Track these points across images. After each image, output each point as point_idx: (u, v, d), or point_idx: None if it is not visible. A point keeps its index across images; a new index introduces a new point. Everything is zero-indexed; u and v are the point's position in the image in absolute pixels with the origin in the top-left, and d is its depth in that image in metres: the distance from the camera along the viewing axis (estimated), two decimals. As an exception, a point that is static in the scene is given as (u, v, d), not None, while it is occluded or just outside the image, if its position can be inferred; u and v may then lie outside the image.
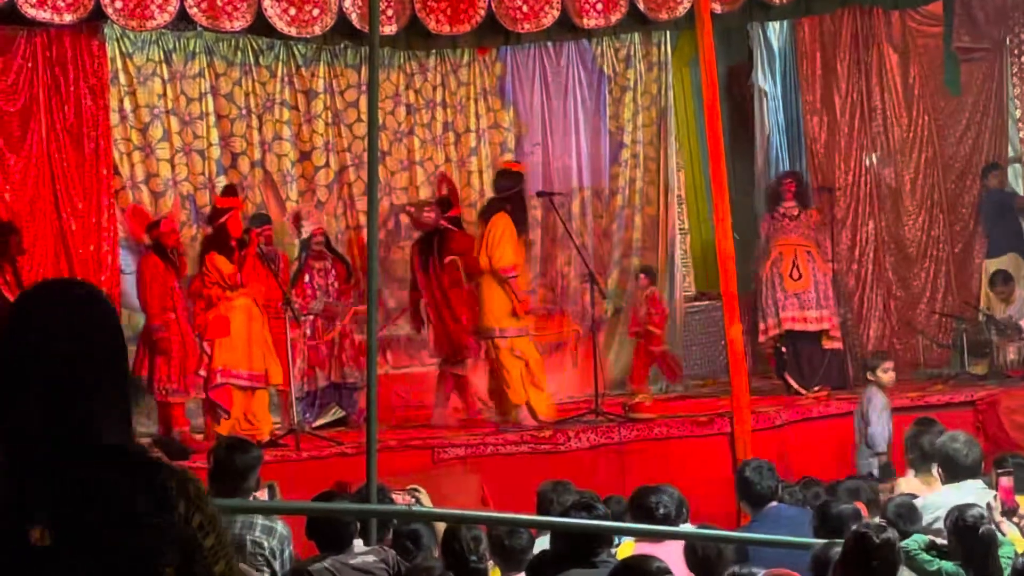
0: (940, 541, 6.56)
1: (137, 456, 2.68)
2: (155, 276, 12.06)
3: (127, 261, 12.78)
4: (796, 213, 13.47)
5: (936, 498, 7.66)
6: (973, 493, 7.35)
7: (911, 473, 8.98)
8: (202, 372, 11.83)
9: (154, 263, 12.13)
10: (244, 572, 5.72)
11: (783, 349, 13.40)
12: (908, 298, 15.11)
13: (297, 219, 13.41)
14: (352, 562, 6.59)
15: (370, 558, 6.64)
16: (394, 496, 7.75)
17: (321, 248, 13.17)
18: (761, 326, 13.41)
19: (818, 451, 11.75)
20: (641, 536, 6.75)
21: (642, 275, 13.68)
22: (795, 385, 13.24)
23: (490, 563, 6.54)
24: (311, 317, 12.98)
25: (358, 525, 6.87)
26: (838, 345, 13.60)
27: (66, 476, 2.56)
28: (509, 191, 12.78)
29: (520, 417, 12.40)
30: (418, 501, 7.82)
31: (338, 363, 13.01)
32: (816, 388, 13.20)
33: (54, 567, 2.53)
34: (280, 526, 6.64)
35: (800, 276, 13.22)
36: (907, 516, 7.00)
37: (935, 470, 8.80)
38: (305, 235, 13.14)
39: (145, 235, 12.53)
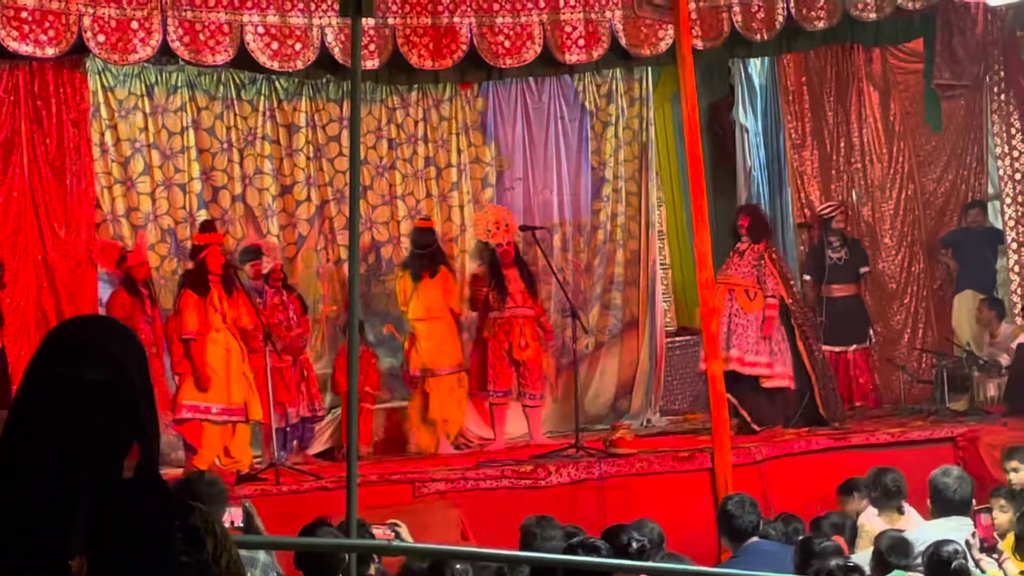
0: (920, 576, 6.57)
1: (169, 495, 2.69)
2: (120, 313, 11.99)
3: (108, 295, 12.74)
4: (743, 248, 13.31)
5: (919, 533, 7.65)
6: (954, 529, 7.34)
7: (872, 511, 8.98)
8: (169, 407, 11.77)
9: (122, 300, 12.05)
10: None
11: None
12: (888, 334, 15.16)
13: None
14: None
15: None
16: (374, 530, 7.72)
17: (279, 284, 13.12)
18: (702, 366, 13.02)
19: (798, 487, 11.73)
20: (626, 572, 6.72)
21: None
22: (755, 427, 13.06)
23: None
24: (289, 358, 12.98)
25: (347, 556, 6.85)
26: (785, 384, 13.25)
27: (104, 510, 2.57)
28: (430, 247, 13.31)
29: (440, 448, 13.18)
30: (398, 536, 7.80)
31: (307, 398, 13.00)
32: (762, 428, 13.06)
33: None
34: (261, 555, 6.60)
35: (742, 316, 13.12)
36: (900, 550, 6.97)
37: (906, 506, 8.84)
38: (266, 271, 13.08)
39: (116, 269, 12.49)
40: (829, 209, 14.51)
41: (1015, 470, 9.92)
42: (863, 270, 14.48)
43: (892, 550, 6.97)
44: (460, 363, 13.26)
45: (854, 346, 14.40)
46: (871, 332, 14.79)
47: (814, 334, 13.63)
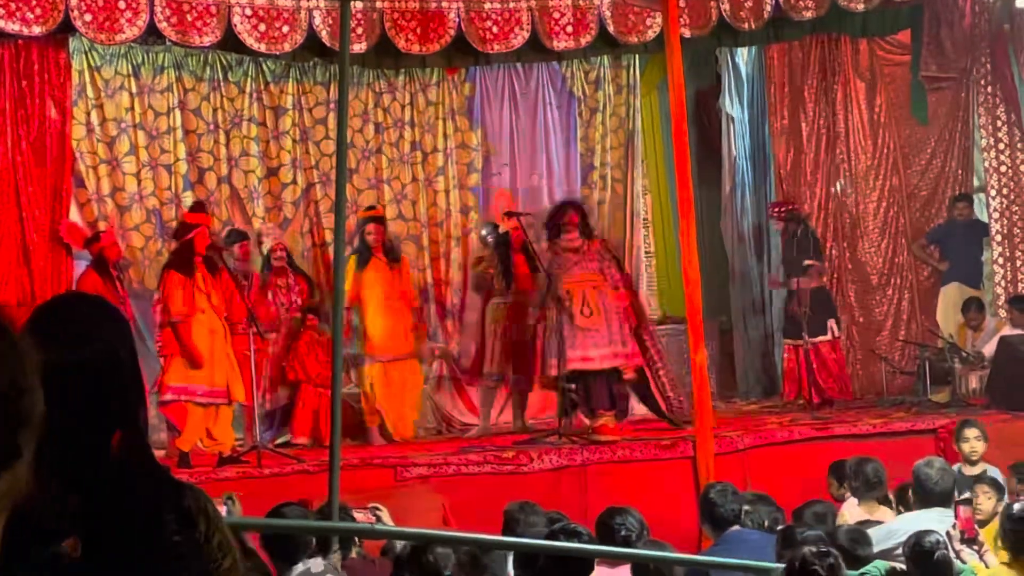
0: (901, 567, 6.57)
1: (161, 475, 2.69)
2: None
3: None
4: (578, 245, 12.63)
5: (899, 524, 7.67)
6: (936, 520, 7.36)
7: (853, 501, 8.99)
8: (154, 388, 11.67)
9: (92, 281, 11.95)
10: None
11: (572, 387, 12.44)
12: (871, 324, 15.18)
13: (259, 236, 13.42)
14: None
15: None
16: (355, 514, 7.72)
17: (282, 264, 13.14)
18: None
19: (780, 476, 11.75)
20: (606, 558, 6.73)
21: None
22: (587, 422, 12.58)
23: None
24: (274, 335, 12.98)
25: (314, 540, 6.84)
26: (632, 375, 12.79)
27: (97, 492, 2.57)
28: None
29: (371, 437, 13.02)
30: (380, 519, 7.80)
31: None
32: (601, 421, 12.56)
33: None
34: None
35: (591, 313, 12.71)
36: (860, 540, 6.99)
37: (891, 496, 8.86)
38: (265, 251, 13.12)
39: (85, 250, 12.43)
40: (776, 215, 14.43)
41: (966, 440, 10.07)
42: (806, 263, 14.18)
43: (853, 542, 6.95)
44: (410, 351, 13.29)
45: (816, 338, 14.14)
46: (833, 324, 14.59)
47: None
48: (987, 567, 6.95)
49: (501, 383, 13.27)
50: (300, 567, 6.58)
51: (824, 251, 14.80)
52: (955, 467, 9.46)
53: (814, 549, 5.40)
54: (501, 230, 13.35)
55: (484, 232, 13.87)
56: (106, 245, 12.26)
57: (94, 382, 2.61)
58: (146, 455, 2.68)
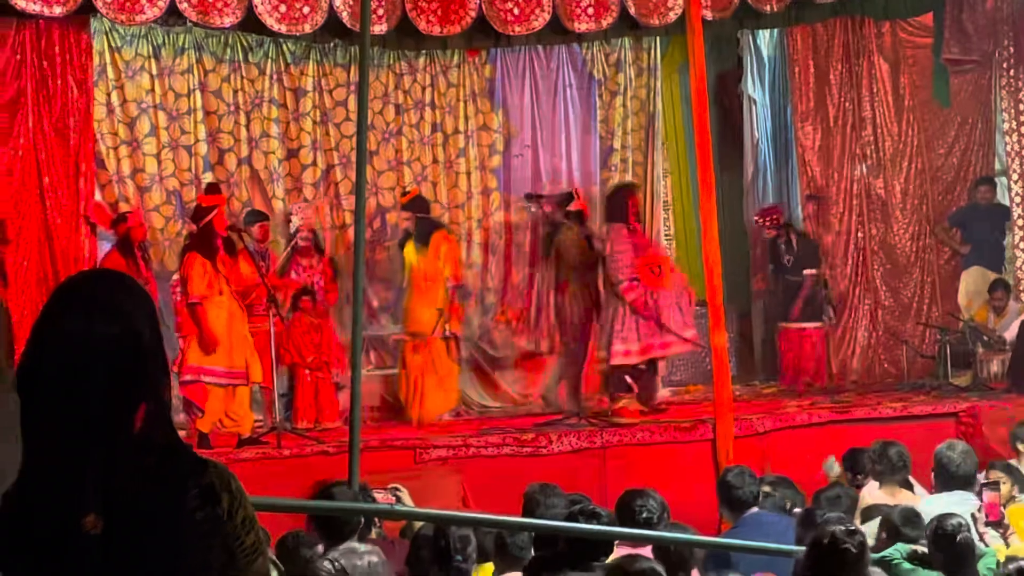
0: (923, 550, 6.56)
1: (184, 452, 2.69)
2: None
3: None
4: (639, 227, 12.90)
5: (922, 507, 7.64)
6: (958, 503, 7.34)
7: (874, 484, 8.97)
8: (174, 369, 11.65)
9: (116, 262, 11.94)
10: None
11: (630, 376, 12.65)
12: (896, 307, 15.13)
13: (288, 215, 13.43)
14: (359, 563, 6.53)
15: (375, 558, 6.58)
16: (376, 495, 7.72)
17: (308, 244, 13.14)
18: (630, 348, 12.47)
19: (799, 460, 11.72)
20: (627, 540, 6.72)
21: None
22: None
23: (477, 564, 6.51)
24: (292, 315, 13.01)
25: (363, 518, 6.85)
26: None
27: (119, 468, 2.56)
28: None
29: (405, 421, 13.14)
30: (399, 500, 7.80)
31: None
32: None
33: (104, 555, 2.54)
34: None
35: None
36: (913, 522, 6.95)
37: (912, 480, 8.83)
38: (293, 230, 13.15)
39: (111, 230, 12.44)
40: (767, 225, 14.54)
41: None
42: (807, 272, 14.31)
43: (907, 522, 6.93)
44: (437, 333, 13.33)
45: (811, 324, 14.24)
46: (831, 311, 14.67)
47: None
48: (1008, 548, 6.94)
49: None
50: (345, 544, 6.58)
51: (825, 246, 14.87)
52: (1006, 462, 9.40)
53: (843, 528, 5.38)
54: (573, 207, 13.29)
55: (533, 208, 13.93)
56: (133, 226, 12.28)
57: (118, 357, 2.59)
58: (169, 431, 2.67)
